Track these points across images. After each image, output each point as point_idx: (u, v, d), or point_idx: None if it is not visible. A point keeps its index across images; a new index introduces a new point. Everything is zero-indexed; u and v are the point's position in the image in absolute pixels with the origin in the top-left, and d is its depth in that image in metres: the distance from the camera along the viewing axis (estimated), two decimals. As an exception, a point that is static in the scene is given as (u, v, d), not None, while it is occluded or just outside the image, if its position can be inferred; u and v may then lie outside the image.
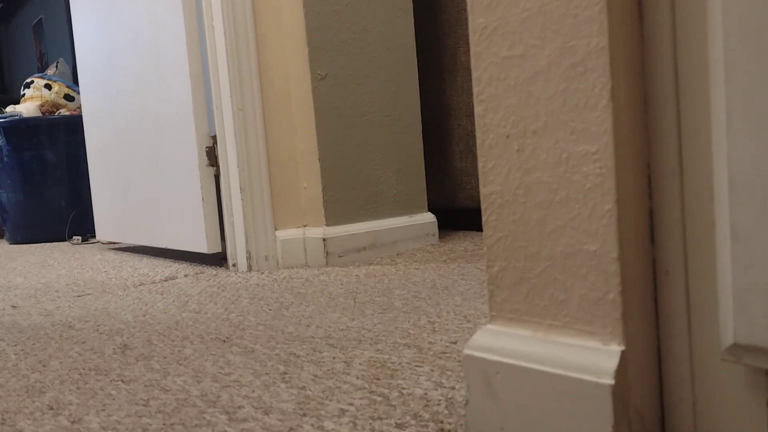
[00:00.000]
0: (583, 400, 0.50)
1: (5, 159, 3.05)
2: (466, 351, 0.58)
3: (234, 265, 1.71)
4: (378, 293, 1.27)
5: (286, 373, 0.82)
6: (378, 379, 0.77)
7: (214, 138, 1.73)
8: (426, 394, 0.71)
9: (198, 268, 1.79)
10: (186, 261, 1.97)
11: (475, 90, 0.57)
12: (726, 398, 0.49)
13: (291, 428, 0.65)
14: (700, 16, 0.47)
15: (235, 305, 1.27)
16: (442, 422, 0.64)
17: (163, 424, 0.69)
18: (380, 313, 1.11)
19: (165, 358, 0.93)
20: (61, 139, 3.04)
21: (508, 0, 0.54)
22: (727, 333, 0.45)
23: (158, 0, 1.85)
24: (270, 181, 1.69)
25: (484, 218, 0.58)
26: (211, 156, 1.76)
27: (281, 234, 1.69)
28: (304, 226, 1.71)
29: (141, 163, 2.09)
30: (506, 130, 0.55)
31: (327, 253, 1.65)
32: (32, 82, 3.25)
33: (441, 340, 0.92)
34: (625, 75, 0.49)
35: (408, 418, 0.65)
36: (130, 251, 2.37)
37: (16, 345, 1.07)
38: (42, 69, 4.78)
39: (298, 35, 1.66)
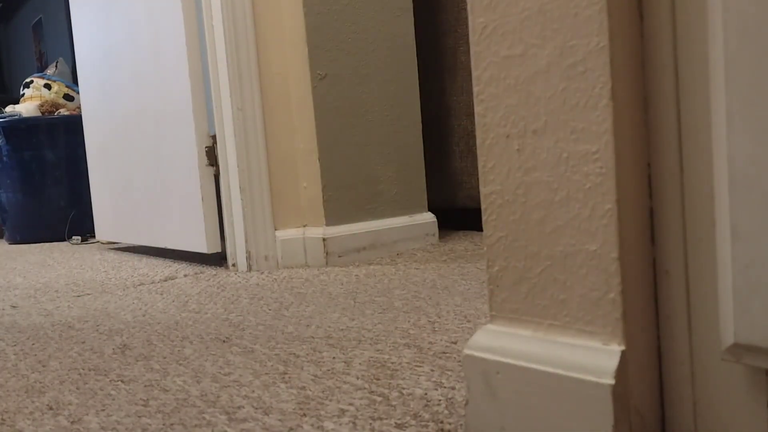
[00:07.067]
0: (583, 400, 0.50)
1: (5, 159, 3.05)
2: (466, 351, 0.58)
3: (234, 265, 1.71)
4: (378, 293, 1.27)
5: (286, 373, 0.82)
6: (378, 379, 0.77)
7: (214, 138, 1.73)
8: (426, 394, 0.71)
9: (198, 268, 1.79)
10: (186, 261, 1.97)
11: (475, 89, 0.57)
12: (726, 398, 0.49)
13: (291, 428, 0.65)
14: (701, 15, 0.47)
15: (235, 305, 1.27)
16: (442, 422, 0.64)
17: (163, 424, 0.69)
18: (380, 313, 1.11)
19: (165, 358, 0.93)
20: (60, 139, 3.03)
21: (508, -1, 0.54)
22: (728, 333, 0.45)
23: None
24: (270, 181, 1.69)
25: (484, 218, 0.58)
26: (211, 156, 1.76)
27: (281, 234, 1.69)
28: (304, 226, 1.71)
29: (140, 162, 2.09)
30: (506, 130, 0.55)
31: (327, 253, 1.65)
32: (32, 81, 3.25)
33: (441, 340, 0.92)
34: (625, 74, 0.49)
35: (408, 418, 0.65)
36: (129, 251, 2.37)
37: (15, 345, 1.07)
38: (41, 69, 4.78)
39: (298, 35, 1.66)
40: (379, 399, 0.71)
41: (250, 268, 1.67)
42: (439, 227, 1.93)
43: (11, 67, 6.47)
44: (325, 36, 1.67)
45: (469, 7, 0.57)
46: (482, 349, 0.57)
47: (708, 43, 0.46)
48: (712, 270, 0.48)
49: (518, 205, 0.55)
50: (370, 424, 0.65)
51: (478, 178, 1.86)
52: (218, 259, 1.88)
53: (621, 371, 0.49)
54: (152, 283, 1.62)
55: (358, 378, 0.78)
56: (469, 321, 1.01)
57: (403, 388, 0.74)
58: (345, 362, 0.85)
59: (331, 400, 0.72)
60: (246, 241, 1.66)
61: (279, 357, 0.89)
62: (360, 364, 0.84)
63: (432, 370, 0.79)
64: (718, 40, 0.44)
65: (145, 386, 0.81)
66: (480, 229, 1.90)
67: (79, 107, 2.99)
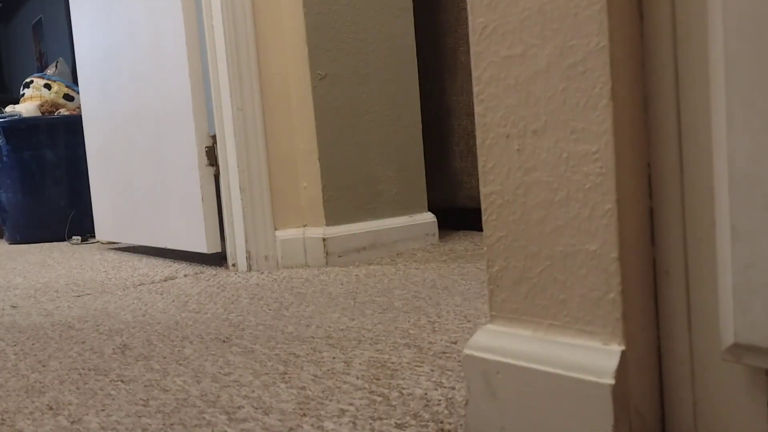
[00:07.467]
0: (583, 400, 0.50)
1: (5, 159, 3.05)
2: (466, 351, 0.58)
3: (234, 265, 1.71)
4: (378, 293, 1.27)
5: (286, 373, 0.82)
6: (378, 379, 0.77)
7: (214, 138, 1.73)
8: (426, 394, 0.71)
9: (198, 268, 1.79)
10: (186, 261, 1.97)
11: (475, 89, 0.57)
12: (726, 398, 0.49)
13: (291, 428, 0.65)
14: (701, 15, 0.47)
15: (235, 305, 1.27)
16: (442, 422, 0.64)
17: (163, 424, 0.69)
18: (380, 313, 1.11)
19: (165, 358, 0.93)
20: (60, 139, 3.03)
21: (508, -1, 0.54)
22: (728, 333, 0.45)
23: None
24: (270, 181, 1.69)
25: (484, 218, 0.58)
26: (211, 156, 1.76)
27: (281, 234, 1.69)
28: (304, 226, 1.71)
29: (140, 162, 2.09)
30: (506, 130, 0.55)
31: (327, 253, 1.65)
32: (32, 81, 3.25)
33: (441, 340, 0.92)
34: (625, 74, 0.49)
35: (408, 418, 0.65)
36: (129, 251, 2.37)
37: (15, 345, 1.07)
38: (41, 69, 4.78)
39: (298, 35, 1.66)
40: (379, 399, 0.71)
41: (250, 268, 1.67)
42: (439, 227, 1.93)
43: (11, 67, 6.47)
44: (325, 36, 1.67)
45: (469, 7, 0.57)
46: (482, 349, 0.57)
47: (708, 43, 0.46)
48: (712, 270, 0.48)
49: (518, 205, 0.55)
50: (370, 424, 0.65)
51: (478, 178, 1.86)
52: (218, 259, 1.88)
53: (621, 371, 0.49)
54: (152, 283, 1.62)
55: (358, 378, 0.78)
56: (469, 321, 1.01)
57: (403, 388, 0.74)
58: (345, 362, 0.85)
59: (331, 400, 0.72)
60: (246, 241, 1.66)
61: (279, 357, 0.89)
62: (360, 364, 0.84)
63: (432, 370, 0.79)
64: (718, 40, 0.44)
65: (145, 386, 0.81)
66: (480, 229, 1.90)
67: (79, 107, 2.99)
